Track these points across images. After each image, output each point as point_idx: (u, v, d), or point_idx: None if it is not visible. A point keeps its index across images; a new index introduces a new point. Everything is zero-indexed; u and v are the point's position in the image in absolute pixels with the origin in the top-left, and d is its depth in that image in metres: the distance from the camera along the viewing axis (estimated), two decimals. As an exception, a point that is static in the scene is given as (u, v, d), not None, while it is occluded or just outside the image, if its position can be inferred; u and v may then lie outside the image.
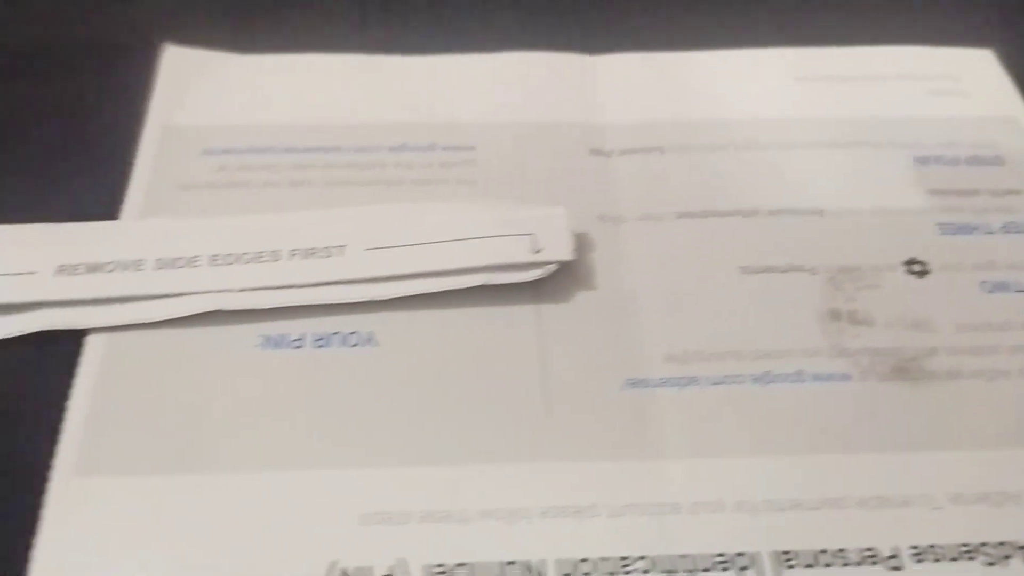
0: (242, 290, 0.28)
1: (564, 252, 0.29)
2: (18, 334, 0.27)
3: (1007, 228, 0.31)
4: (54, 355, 0.27)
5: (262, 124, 0.33)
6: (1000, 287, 0.30)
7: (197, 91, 0.34)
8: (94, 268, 0.28)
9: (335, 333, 0.28)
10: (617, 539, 0.24)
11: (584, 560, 0.24)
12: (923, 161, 0.33)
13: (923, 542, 0.24)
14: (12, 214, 0.30)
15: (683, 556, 0.24)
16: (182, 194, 0.31)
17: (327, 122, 0.33)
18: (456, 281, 0.28)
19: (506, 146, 0.33)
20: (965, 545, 0.24)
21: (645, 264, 0.30)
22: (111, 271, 0.28)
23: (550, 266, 0.29)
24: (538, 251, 0.29)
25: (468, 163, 0.32)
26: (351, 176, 0.32)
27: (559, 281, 0.29)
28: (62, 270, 0.28)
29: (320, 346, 0.28)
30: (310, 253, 0.29)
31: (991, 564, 0.24)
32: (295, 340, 0.28)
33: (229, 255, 0.29)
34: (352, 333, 0.28)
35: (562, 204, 0.31)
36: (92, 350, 0.27)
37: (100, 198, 0.31)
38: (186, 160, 0.32)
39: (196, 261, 0.28)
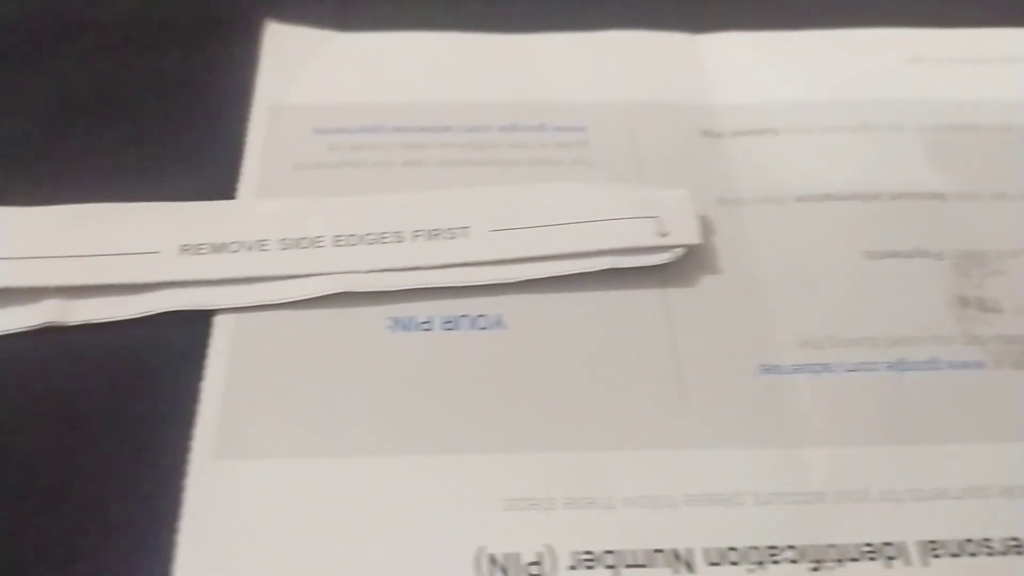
0: (369, 271, 0.28)
1: (691, 235, 0.28)
2: (146, 314, 0.27)
3: None
4: (183, 335, 0.27)
5: (370, 103, 0.33)
6: None
7: (303, 70, 0.34)
8: (218, 248, 0.28)
9: (463, 316, 0.28)
10: (763, 528, 0.24)
11: (732, 549, 0.24)
12: (1042, 144, 0.33)
13: (1071, 531, 0.24)
14: (124, 191, 0.30)
15: (831, 546, 0.24)
16: (296, 174, 0.31)
17: (435, 101, 0.33)
18: (583, 264, 0.28)
19: (617, 127, 0.32)
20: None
21: (768, 248, 0.30)
22: (235, 251, 0.28)
23: (678, 250, 0.28)
24: (665, 234, 0.28)
25: (580, 144, 0.32)
26: (464, 156, 0.31)
27: (684, 265, 0.28)
28: (186, 250, 0.28)
29: (449, 329, 0.27)
30: (434, 234, 0.28)
31: None
32: (423, 323, 0.27)
33: (352, 236, 0.28)
34: (480, 316, 0.28)
35: (679, 186, 0.30)
36: (221, 331, 0.27)
37: (213, 177, 0.30)
38: (297, 139, 0.32)
39: (320, 241, 0.28)
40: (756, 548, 0.24)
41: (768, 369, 0.27)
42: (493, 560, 0.23)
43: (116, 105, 0.32)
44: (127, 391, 0.26)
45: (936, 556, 0.24)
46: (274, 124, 0.32)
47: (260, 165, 0.31)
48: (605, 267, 0.28)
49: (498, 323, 0.27)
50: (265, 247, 0.28)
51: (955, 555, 0.24)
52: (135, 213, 0.29)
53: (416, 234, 0.28)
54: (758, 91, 0.34)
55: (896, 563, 0.23)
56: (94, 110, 0.32)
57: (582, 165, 0.31)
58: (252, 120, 0.32)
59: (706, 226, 0.29)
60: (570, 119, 0.33)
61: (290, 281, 0.28)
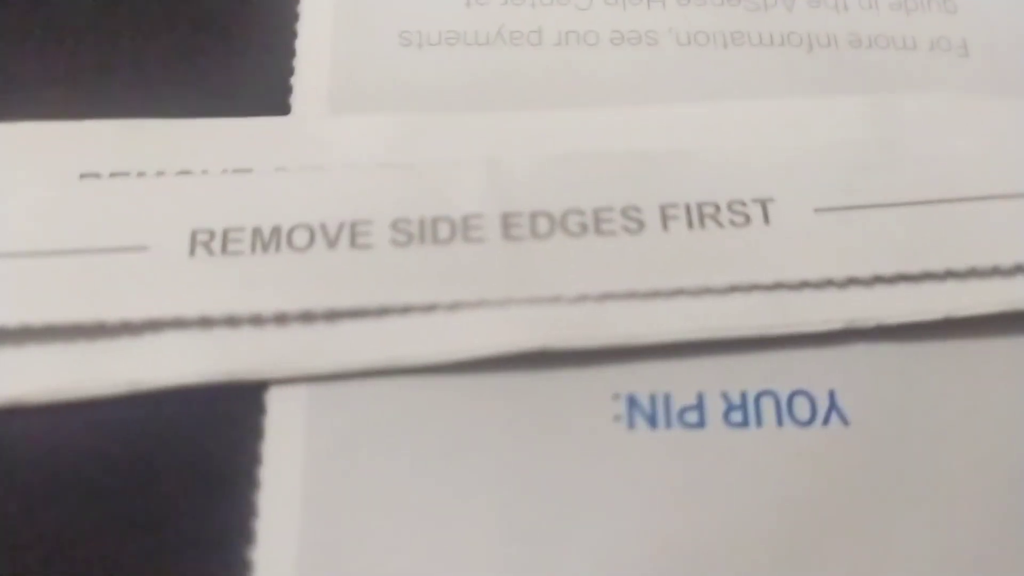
0: (580, 299, 0.14)
1: None
2: (127, 391, 0.13)
3: None
4: (205, 429, 0.13)
5: None
6: None
7: None
8: (267, 240, 0.14)
9: (764, 394, 0.14)
10: None
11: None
12: None
13: None
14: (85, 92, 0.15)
15: None
16: (405, 56, 0.16)
17: None
18: (1011, 293, 0.14)
19: None
20: None
21: None
22: (302, 248, 0.14)
23: None
24: None
25: (944, 3, 0.17)
26: (728, 23, 0.16)
27: None
28: (202, 242, 0.14)
29: (737, 424, 0.14)
30: (704, 215, 0.14)
31: None
32: (687, 408, 0.14)
33: (541, 214, 0.14)
34: (797, 395, 0.14)
35: None
36: (283, 415, 0.13)
37: (244, 65, 0.15)
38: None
39: (477, 227, 0.14)
40: None
41: None
42: None
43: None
44: (112, 541, 0.13)
45: None
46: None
47: (333, 36, 0.16)
48: (1054, 302, 0.14)
49: (833, 411, 0.14)
50: (364, 237, 0.14)
51: None
52: (70, 148, 0.14)
53: (669, 214, 0.14)
54: None
55: None
56: None
57: (949, 51, 0.16)
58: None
59: None
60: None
61: (419, 319, 0.13)
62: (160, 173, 0.14)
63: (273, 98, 0.15)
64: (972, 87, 0.16)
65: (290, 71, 0.15)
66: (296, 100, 0.15)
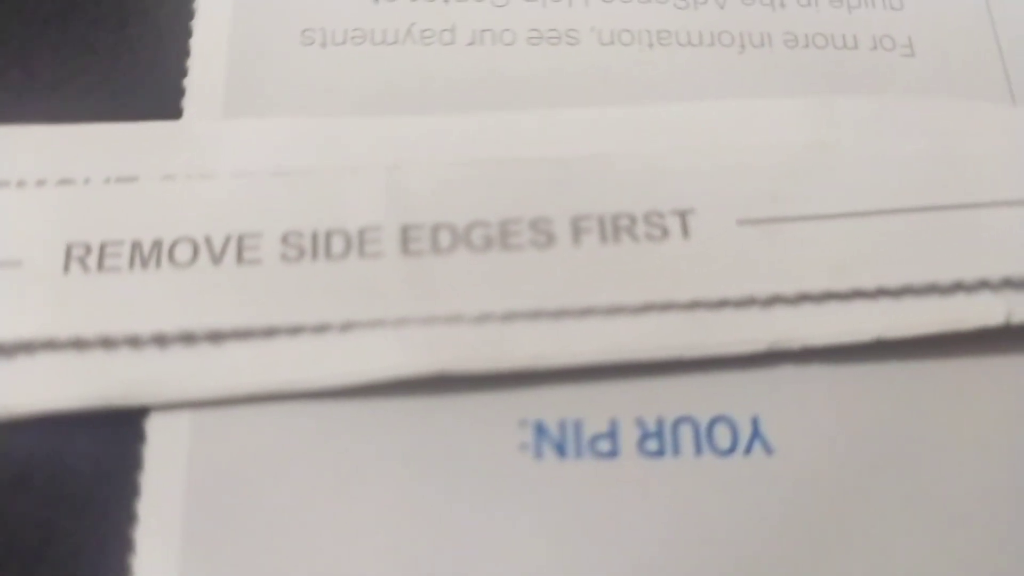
0: (482, 318, 0.13)
1: None
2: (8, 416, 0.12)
3: None
4: (80, 458, 0.12)
5: None
6: None
7: None
8: (147, 253, 0.13)
9: (682, 421, 0.13)
10: None
11: None
12: None
13: None
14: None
15: None
16: (306, 55, 0.15)
17: None
18: (944, 313, 0.13)
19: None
20: None
21: None
22: (184, 264, 0.13)
23: None
24: (1110, 244, 0.13)
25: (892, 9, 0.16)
26: (653, 21, 0.15)
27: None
28: (78, 256, 0.13)
29: (653, 454, 0.13)
30: (619, 227, 0.13)
31: None
32: (599, 437, 0.13)
33: (443, 226, 0.13)
34: (717, 422, 0.13)
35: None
36: (161, 449, 0.12)
37: (132, 63, 0.14)
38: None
39: (374, 240, 0.13)
40: None
41: None
42: None
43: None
44: None
45: None
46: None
47: (230, 34, 0.15)
48: (992, 323, 0.13)
49: (756, 439, 0.13)
50: (252, 252, 0.13)
51: None
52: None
53: (581, 226, 0.13)
54: None
55: None
56: None
57: (893, 50, 0.15)
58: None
59: None
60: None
61: (310, 341, 0.12)
62: (40, 182, 0.13)
63: (165, 101, 0.14)
64: (919, 88, 0.15)
65: (183, 72, 0.14)
66: (189, 103, 0.14)
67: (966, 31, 0.16)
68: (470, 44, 0.15)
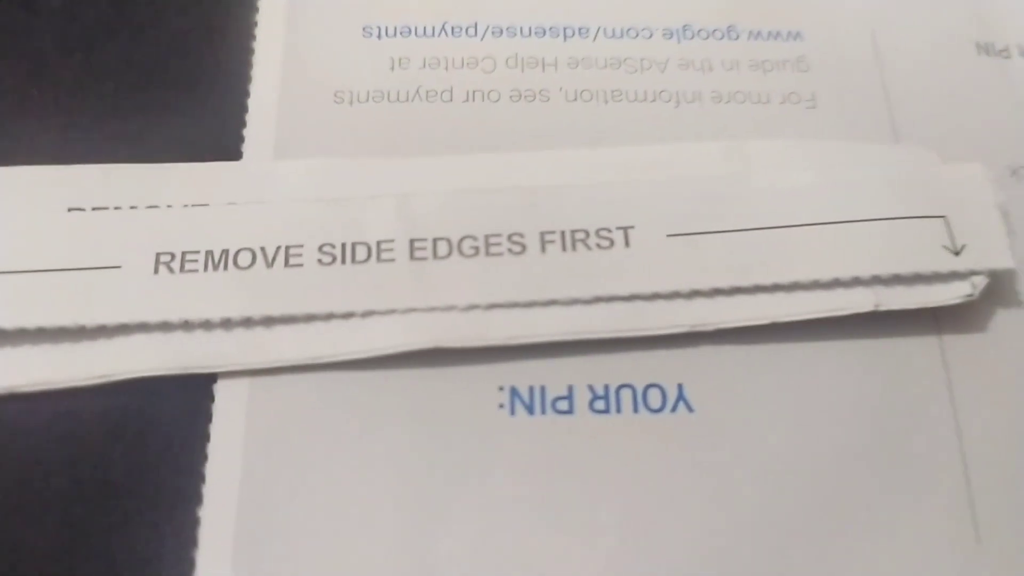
0: (470, 308, 0.17)
1: (999, 253, 0.17)
2: (98, 381, 0.16)
3: None
4: (167, 409, 0.16)
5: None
6: None
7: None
8: (216, 260, 0.17)
9: (624, 387, 0.17)
10: None
11: None
12: None
13: None
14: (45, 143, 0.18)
15: None
16: (336, 111, 0.19)
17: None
18: (826, 303, 0.17)
19: (851, 33, 0.20)
20: None
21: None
22: (246, 267, 0.17)
23: (979, 278, 0.17)
24: (959, 249, 0.17)
25: (797, 64, 0.20)
26: (609, 83, 0.19)
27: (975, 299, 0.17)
28: (164, 262, 0.17)
29: (600, 411, 0.17)
30: (576, 240, 0.17)
31: None
32: (559, 398, 0.17)
33: (442, 239, 0.17)
34: (651, 388, 0.17)
35: (951, 146, 0.19)
36: (227, 404, 0.16)
37: (200, 116, 0.19)
38: (338, 46, 0.19)
39: (388, 249, 0.17)
40: None
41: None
42: None
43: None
44: (84, 500, 0.16)
45: None
46: (298, 15, 0.20)
47: (279, 95, 0.19)
48: (864, 309, 0.17)
49: (680, 401, 0.17)
50: (296, 259, 0.17)
51: None
52: (60, 187, 0.18)
53: (547, 239, 0.17)
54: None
55: None
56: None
57: (799, 104, 0.19)
58: (262, 7, 0.20)
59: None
60: (779, 20, 0.20)
61: (339, 325, 0.16)
62: (133, 207, 0.18)
63: (229, 147, 0.18)
64: (819, 133, 0.19)
65: (243, 124, 0.19)
66: (247, 148, 0.18)
67: (859, 87, 0.20)
68: (465, 101, 0.19)
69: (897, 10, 0.21)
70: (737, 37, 0.20)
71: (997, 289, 0.18)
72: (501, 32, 0.20)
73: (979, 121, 0.20)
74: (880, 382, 0.17)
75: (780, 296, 0.17)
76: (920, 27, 0.20)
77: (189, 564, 0.15)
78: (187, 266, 0.17)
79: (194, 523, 0.16)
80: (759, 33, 0.20)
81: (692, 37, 0.20)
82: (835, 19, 0.20)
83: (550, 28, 0.20)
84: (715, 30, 0.20)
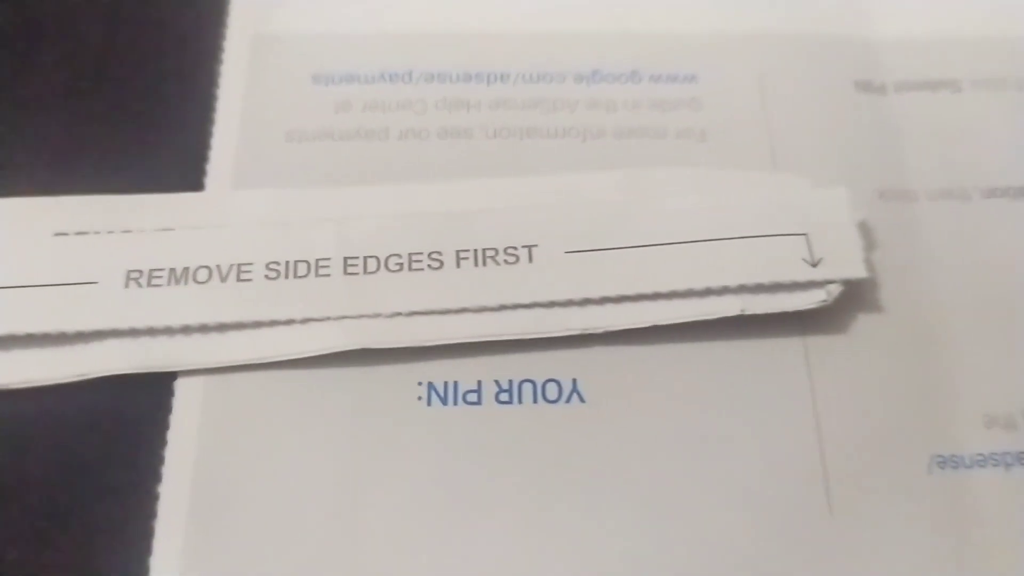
0: (394, 315, 0.19)
1: (853, 264, 0.20)
2: (76, 379, 0.19)
3: None
4: (131, 406, 0.19)
5: (394, 34, 0.23)
6: None
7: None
8: (179, 276, 0.20)
9: (525, 381, 0.20)
10: None
11: None
12: None
13: None
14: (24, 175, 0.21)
15: None
16: (288, 149, 0.22)
17: (487, 32, 0.23)
18: (699, 308, 0.20)
19: (740, 76, 0.23)
20: None
21: (953, 272, 0.21)
22: (204, 281, 0.19)
23: (834, 286, 0.20)
24: (817, 262, 0.20)
25: (691, 103, 0.23)
26: (525, 121, 0.22)
27: (835, 303, 0.20)
28: (134, 278, 0.20)
29: (505, 402, 0.19)
30: (487, 257, 0.20)
31: None
32: (469, 391, 0.19)
33: (372, 257, 0.20)
34: (549, 382, 0.20)
35: (824, 172, 0.21)
36: (185, 401, 0.19)
37: (167, 153, 0.22)
38: (290, 92, 0.22)
39: (325, 266, 0.20)
40: None
41: (945, 462, 0.19)
42: None
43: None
44: (62, 481, 0.19)
45: None
46: (257, 65, 0.23)
47: (239, 135, 0.22)
48: (732, 313, 0.20)
49: (574, 393, 0.20)
50: (246, 274, 0.20)
51: None
52: (48, 215, 0.21)
53: (462, 256, 0.20)
54: (936, 22, 0.24)
55: None
56: None
57: (692, 138, 0.22)
58: (226, 58, 0.23)
59: (866, 240, 0.21)
60: (676, 63, 0.23)
61: (282, 330, 0.19)
62: (110, 232, 0.20)
63: (193, 178, 0.21)
64: (708, 163, 0.22)
65: (206, 159, 0.22)
66: (209, 179, 0.21)
67: (744, 123, 0.23)
68: (399, 139, 0.22)
69: (784, 54, 0.23)
70: (640, 80, 0.23)
71: (856, 296, 0.20)
72: (432, 78, 0.23)
73: (853, 150, 0.22)
74: (749, 376, 0.20)
75: (661, 303, 0.20)
76: (804, 68, 0.23)
77: (148, 532, 0.18)
78: (153, 281, 0.20)
79: (154, 498, 0.18)
80: (659, 76, 0.23)
81: (600, 81, 0.23)
82: (726, 63, 0.23)
83: (475, 74, 0.23)
84: (620, 74, 0.23)
